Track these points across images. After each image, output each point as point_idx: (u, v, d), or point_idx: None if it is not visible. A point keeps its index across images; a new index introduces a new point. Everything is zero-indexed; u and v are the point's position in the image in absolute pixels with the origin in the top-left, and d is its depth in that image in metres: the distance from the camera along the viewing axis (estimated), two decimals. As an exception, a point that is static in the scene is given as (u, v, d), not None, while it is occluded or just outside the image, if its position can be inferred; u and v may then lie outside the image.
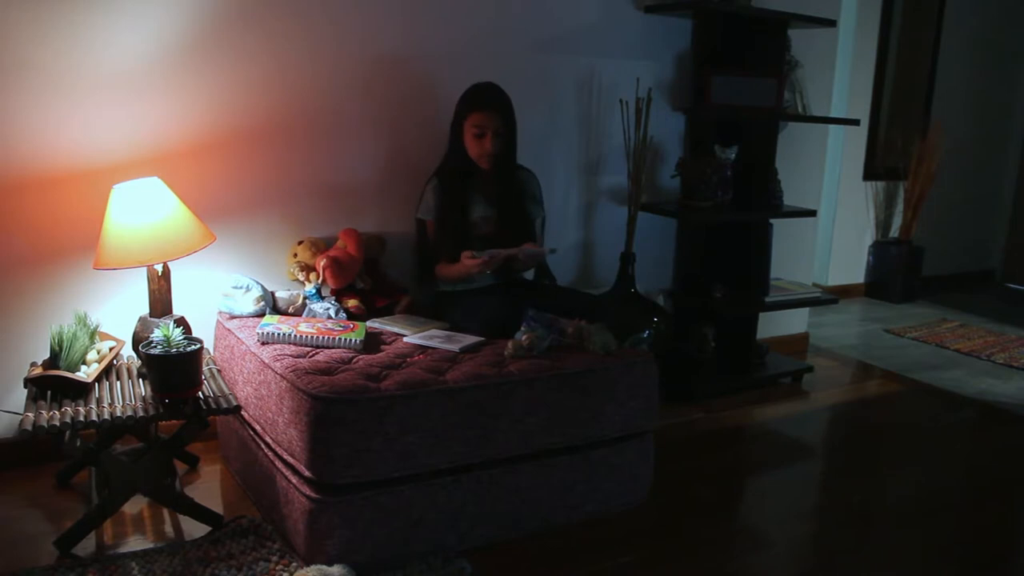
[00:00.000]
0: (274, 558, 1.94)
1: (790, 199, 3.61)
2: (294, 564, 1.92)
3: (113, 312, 2.43)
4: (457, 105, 2.57)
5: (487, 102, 2.51)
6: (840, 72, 4.62)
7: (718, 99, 3.23)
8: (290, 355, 2.09)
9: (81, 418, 1.85)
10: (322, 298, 2.47)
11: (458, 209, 2.58)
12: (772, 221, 3.49)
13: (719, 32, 3.35)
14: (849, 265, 5.52)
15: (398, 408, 1.89)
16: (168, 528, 2.12)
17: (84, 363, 2.09)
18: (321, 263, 2.48)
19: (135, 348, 2.18)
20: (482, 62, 2.86)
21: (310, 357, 2.10)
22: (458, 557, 2.00)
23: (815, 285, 4.11)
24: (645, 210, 3.30)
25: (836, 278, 5.41)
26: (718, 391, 3.38)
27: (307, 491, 1.87)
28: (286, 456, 1.95)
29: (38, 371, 2.04)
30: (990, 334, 4.67)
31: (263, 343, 2.19)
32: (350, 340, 2.19)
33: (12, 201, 2.27)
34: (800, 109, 3.60)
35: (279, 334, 2.20)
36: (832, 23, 3.44)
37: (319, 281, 2.49)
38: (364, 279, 2.61)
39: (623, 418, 2.23)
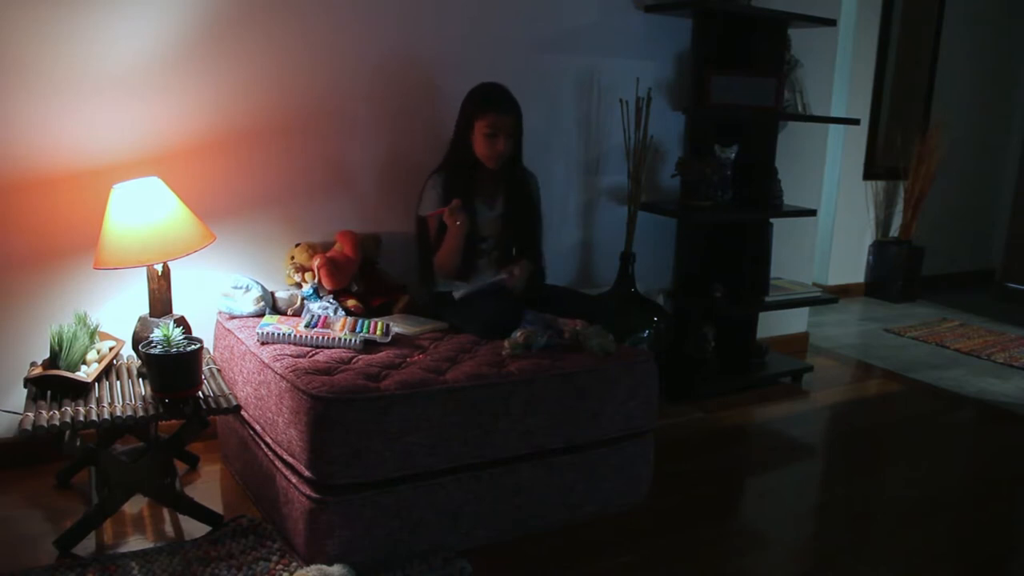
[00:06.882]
0: (274, 558, 1.94)
1: (790, 199, 3.61)
2: (294, 564, 1.92)
3: (113, 312, 2.43)
4: (466, 104, 2.54)
5: (501, 104, 2.49)
6: (840, 72, 4.62)
7: (718, 99, 3.22)
8: (290, 355, 2.09)
9: (81, 418, 1.85)
10: (320, 298, 2.47)
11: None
12: (772, 221, 3.49)
13: (719, 32, 3.34)
14: (849, 265, 5.52)
15: (398, 408, 1.89)
16: (168, 528, 2.12)
17: (84, 363, 2.09)
18: (316, 263, 2.48)
19: (135, 348, 2.18)
20: (482, 62, 2.85)
21: (310, 357, 2.10)
22: (458, 557, 2.00)
23: (815, 285, 4.11)
24: (645, 210, 3.29)
25: (836, 278, 5.41)
26: (718, 391, 3.38)
27: (307, 491, 1.87)
28: (286, 456, 1.95)
29: (38, 371, 2.04)
30: (990, 334, 4.67)
31: (263, 343, 2.19)
32: (350, 340, 2.19)
33: (12, 201, 2.27)
34: (800, 109, 3.60)
35: (279, 334, 2.20)
36: (832, 23, 3.44)
37: (315, 281, 2.49)
38: (359, 283, 2.60)
39: (623, 418, 2.23)
